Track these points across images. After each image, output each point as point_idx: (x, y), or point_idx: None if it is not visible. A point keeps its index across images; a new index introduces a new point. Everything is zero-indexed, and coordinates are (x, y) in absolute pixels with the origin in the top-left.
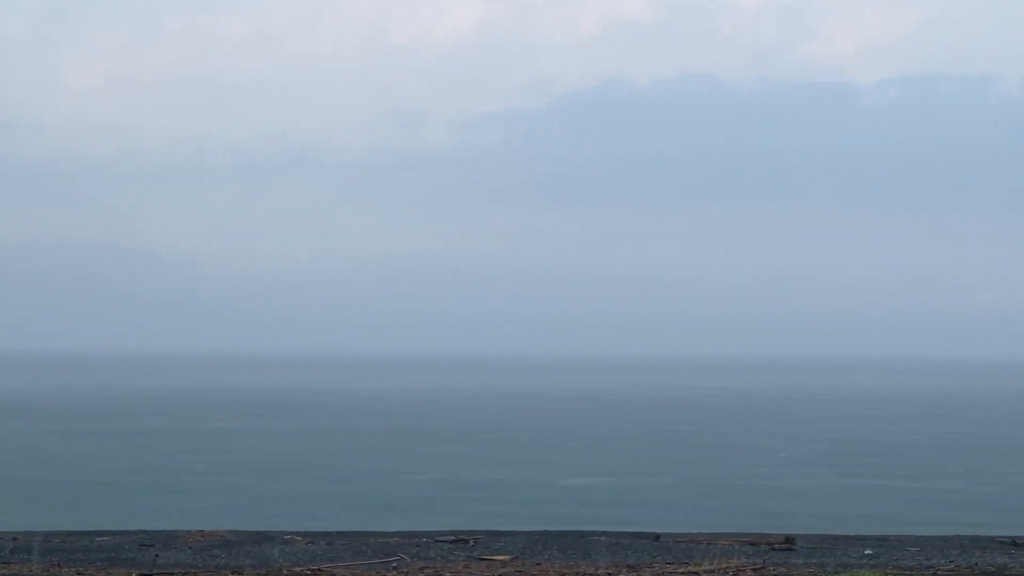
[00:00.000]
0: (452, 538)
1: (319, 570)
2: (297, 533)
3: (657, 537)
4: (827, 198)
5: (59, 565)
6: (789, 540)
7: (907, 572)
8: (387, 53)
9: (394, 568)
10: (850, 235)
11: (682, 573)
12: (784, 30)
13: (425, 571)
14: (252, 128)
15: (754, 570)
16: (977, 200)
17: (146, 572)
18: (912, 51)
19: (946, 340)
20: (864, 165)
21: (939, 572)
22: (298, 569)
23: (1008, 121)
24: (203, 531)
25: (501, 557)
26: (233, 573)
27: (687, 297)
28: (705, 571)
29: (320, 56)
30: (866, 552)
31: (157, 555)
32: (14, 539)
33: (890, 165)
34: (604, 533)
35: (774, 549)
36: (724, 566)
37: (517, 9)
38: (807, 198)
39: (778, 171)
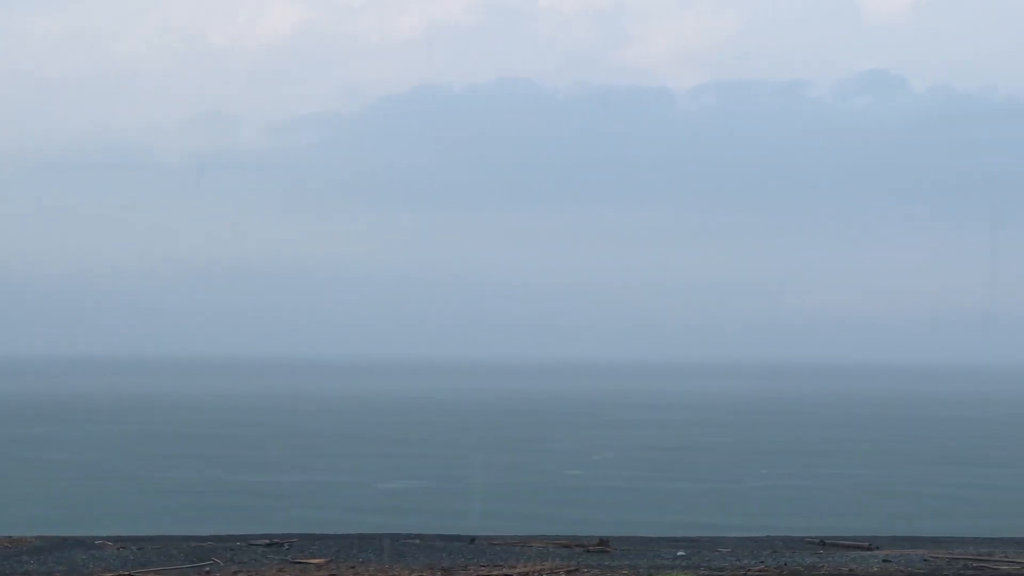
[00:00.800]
0: (267, 542)
1: (129, 575)
2: (108, 538)
3: (472, 540)
4: (645, 202)
5: None
6: (603, 542)
7: (718, 573)
8: (204, 54)
9: (206, 572)
10: (667, 239)
11: None
12: (601, 34)
13: (238, 575)
14: (66, 129)
15: (568, 572)
16: (789, 205)
17: None
18: (727, 57)
19: (760, 343)
20: (681, 170)
21: (750, 572)
22: (108, 575)
23: (818, 127)
24: (11, 537)
25: (316, 561)
26: None
27: (505, 299)
28: (519, 573)
29: (136, 57)
30: (679, 553)
31: None
32: None
33: (706, 170)
34: (419, 536)
35: (588, 551)
36: (538, 568)
37: (336, 11)
38: (625, 202)
39: (596, 175)
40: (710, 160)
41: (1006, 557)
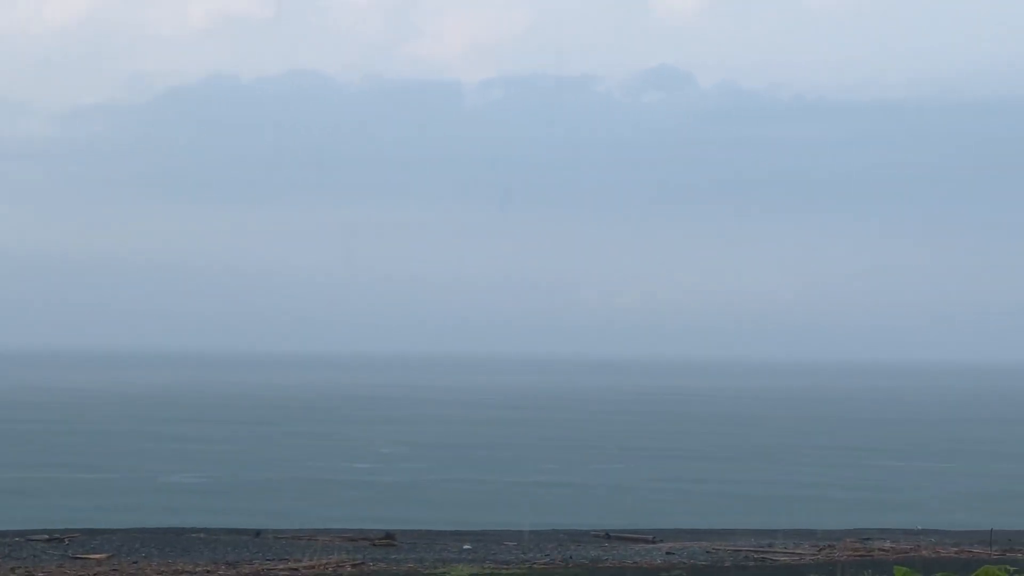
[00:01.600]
0: (46, 537)
1: None
2: None
3: (257, 533)
4: (436, 197)
5: None
6: (389, 536)
7: (504, 567)
8: None
9: None
10: (458, 234)
11: (282, 570)
12: (392, 28)
13: (17, 571)
14: None
15: (354, 566)
16: (578, 201)
17: None
18: (517, 52)
19: (551, 338)
20: (469, 164)
21: (535, 566)
22: None
23: (606, 122)
24: None
25: (97, 556)
26: None
27: (297, 294)
28: (305, 567)
29: None
30: (465, 547)
31: None
32: None
33: (494, 164)
34: (203, 530)
35: (375, 545)
36: (324, 562)
37: (125, 0)
38: (416, 196)
39: (388, 169)
40: (499, 154)
41: (785, 548)
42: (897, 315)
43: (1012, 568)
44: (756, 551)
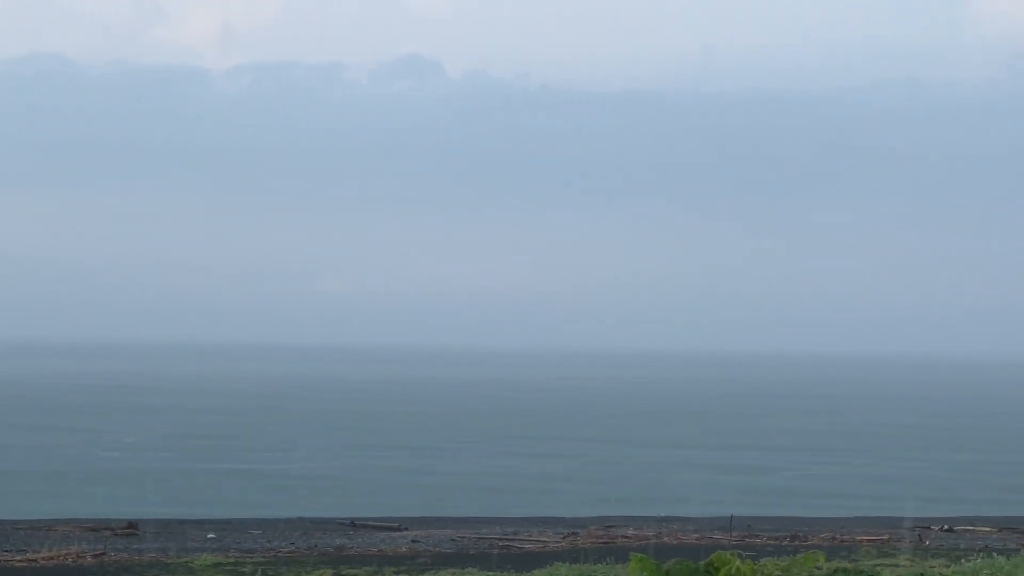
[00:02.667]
0: None
1: None
2: None
3: None
4: (184, 183)
5: None
6: (132, 525)
7: (249, 555)
8: None
9: None
10: (205, 219)
11: (20, 562)
12: (139, 12)
13: None
14: None
15: (95, 556)
16: (326, 188)
17: None
18: (268, 39)
19: (290, 326)
20: (217, 150)
21: (281, 554)
22: None
23: (354, 110)
24: None
25: None
26: None
27: (37, 279)
28: (44, 558)
29: None
30: (209, 536)
31: None
32: None
33: (243, 151)
34: None
35: (117, 535)
36: (63, 553)
37: None
38: (164, 183)
39: (133, 155)
40: (247, 141)
41: (530, 536)
42: (642, 304)
43: (745, 553)
44: (501, 539)
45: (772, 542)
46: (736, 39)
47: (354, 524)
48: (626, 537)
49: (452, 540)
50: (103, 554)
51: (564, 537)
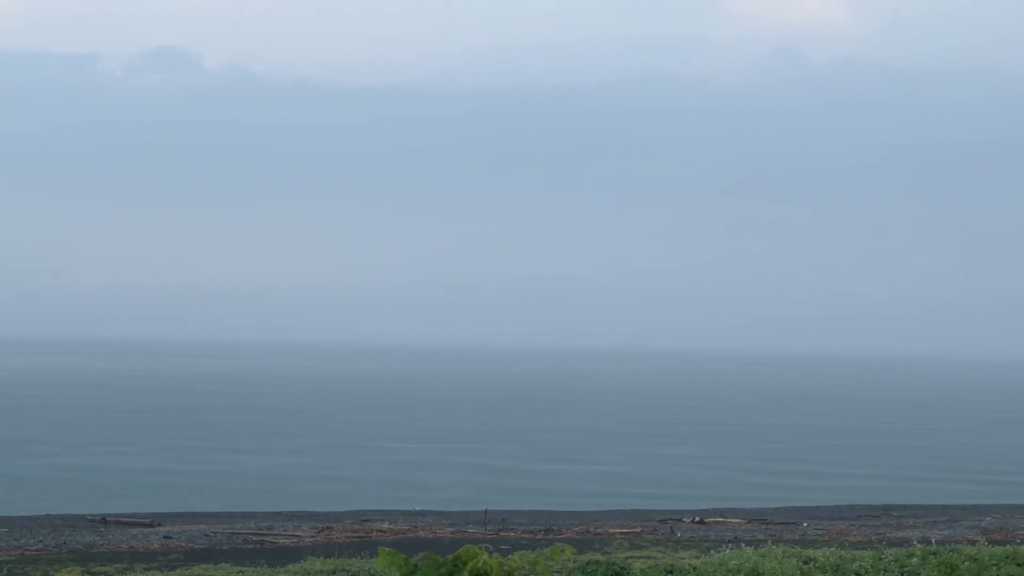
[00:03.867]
0: None
1: None
2: None
3: None
4: None
5: None
6: None
7: None
8: None
9: None
10: None
11: None
12: None
13: None
14: None
15: None
16: (82, 181)
17: None
18: (20, 28)
19: (46, 320)
20: None
21: (28, 552)
22: None
23: (108, 101)
24: None
25: None
26: None
27: None
28: None
29: None
30: None
31: None
32: None
33: None
34: None
35: None
36: None
37: None
38: None
39: None
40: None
41: (284, 530)
42: (407, 294)
43: (499, 547)
44: (255, 534)
45: (526, 536)
46: (496, 37)
47: (105, 520)
48: (381, 531)
49: (205, 535)
50: None
51: (318, 532)
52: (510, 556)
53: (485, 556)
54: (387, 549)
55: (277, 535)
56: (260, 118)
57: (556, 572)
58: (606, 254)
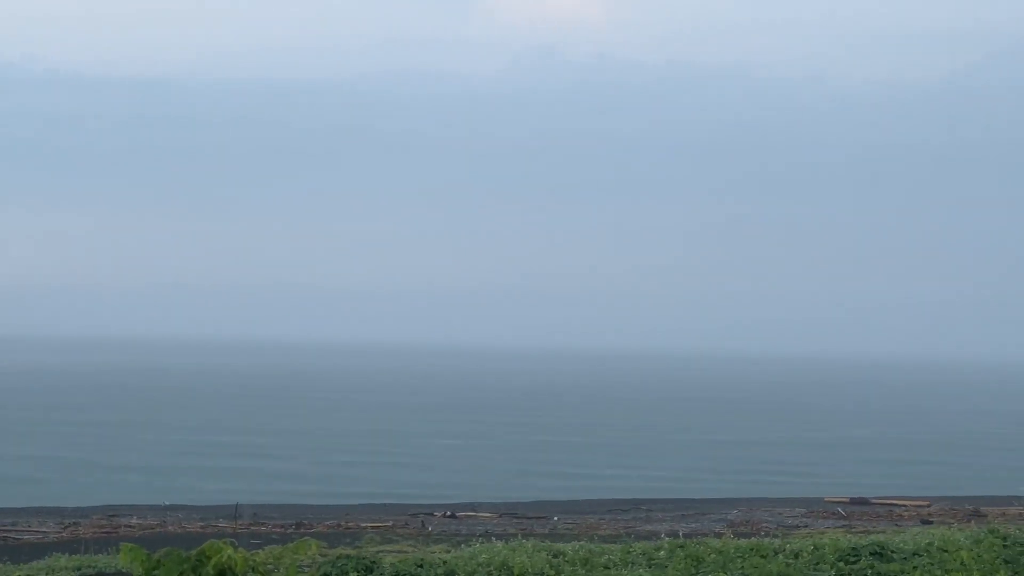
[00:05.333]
0: None
1: None
2: None
3: None
4: None
5: None
6: None
7: None
8: None
9: None
10: None
11: None
12: None
13: None
14: None
15: None
16: None
17: None
18: None
19: None
20: None
21: None
22: None
23: None
24: None
25: None
26: None
27: None
28: None
29: None
30: None
31: None
32: None
33: None
34: None
35: None
36: None
37: None
38: None
39: None
40: None
41: (29, 526)
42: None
43: (236, 543)
44: None
45: (278, 530)
46: (251, 31)
47: None
48: (129, 526)
49: None
50: None
51: (65, 527)
52: (255, 551)
53: (229, 551)
54: (130, 545)
55: (21, 531)
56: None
57: (307, 567)
58: (354, 250)
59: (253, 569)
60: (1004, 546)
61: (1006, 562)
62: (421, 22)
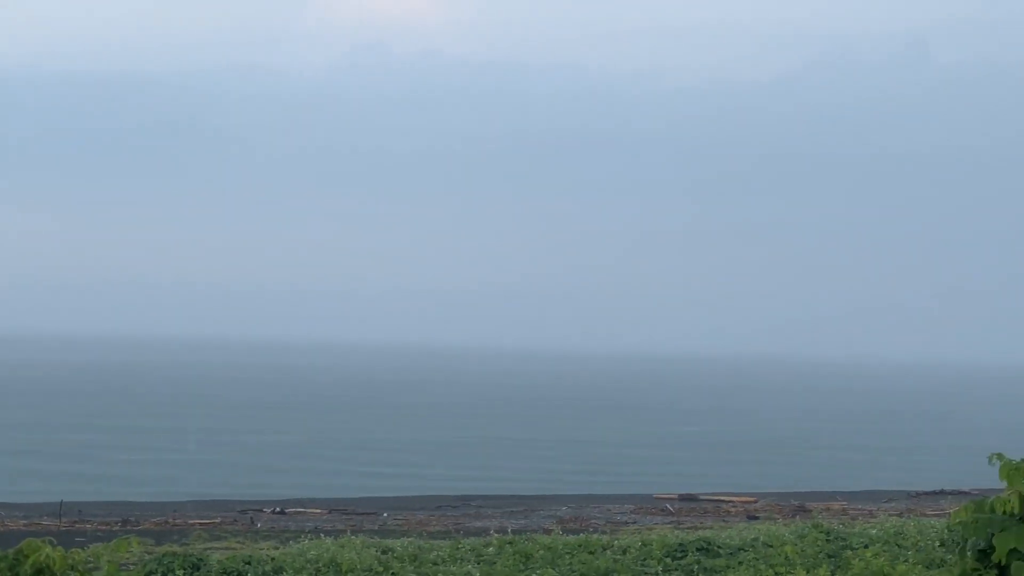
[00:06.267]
0: None
1: None
2: None
3: None
4: None
5: None
6: None
7: None
8: None
9: None
10: None
11: None
12: None
13: None
14: None
15: None
16: None
17: None
18: None
19: None
20: None
21: None
22: None
23: None
24: None
25: None
26: None
27: None
28: None
29: None
30: None
31: None
32: None
33: None
34: None
35: None
36: None
37: None
38: None
39: None
40: None
41: None
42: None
43: (55, 540)
44: None
45: (103, 527)
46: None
47: None
48: None
49: None
50: None
51: None
52: (73, 549)
53: (48, 550)
54: None
55: None
56: None
57: (132, 565)
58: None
59: (72, 567)
60: (827, 540)
61: (829, 556)
62: (248, 19)
